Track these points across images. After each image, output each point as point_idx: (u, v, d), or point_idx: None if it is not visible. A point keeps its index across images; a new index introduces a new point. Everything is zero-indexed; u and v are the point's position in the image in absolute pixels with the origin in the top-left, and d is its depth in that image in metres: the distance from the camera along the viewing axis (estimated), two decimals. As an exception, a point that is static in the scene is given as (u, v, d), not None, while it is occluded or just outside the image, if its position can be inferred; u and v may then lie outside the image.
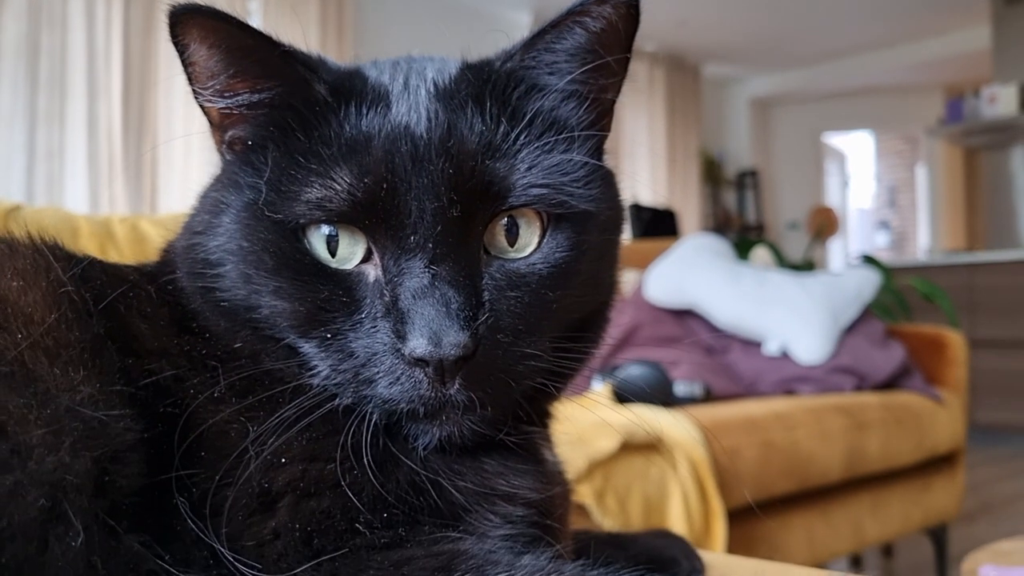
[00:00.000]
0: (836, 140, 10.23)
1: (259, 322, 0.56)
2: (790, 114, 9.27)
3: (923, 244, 9.61)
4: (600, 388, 2.46)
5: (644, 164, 7.72)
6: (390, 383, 0.52)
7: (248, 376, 0.55)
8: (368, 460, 0.53)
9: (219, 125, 0.59)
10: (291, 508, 0.52)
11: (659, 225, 6.77)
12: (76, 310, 0.54)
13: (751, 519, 2.24)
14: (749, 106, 8.98)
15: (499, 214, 0.55)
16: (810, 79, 8.61)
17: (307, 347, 0.55)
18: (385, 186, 0.52)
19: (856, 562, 3.29)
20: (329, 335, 0.54)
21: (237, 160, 0.58)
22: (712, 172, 8.58)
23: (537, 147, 0.55)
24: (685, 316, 3.09)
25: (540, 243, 0.56)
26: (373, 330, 0.53)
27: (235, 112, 0.57)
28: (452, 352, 0.50)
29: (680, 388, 2.48)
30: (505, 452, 0.59)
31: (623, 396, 2.40)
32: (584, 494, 1.77)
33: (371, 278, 0.54)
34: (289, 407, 0.54)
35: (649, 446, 1.98)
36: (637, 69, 7.49)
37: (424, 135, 0.53)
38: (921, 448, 2.79)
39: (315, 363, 0.55)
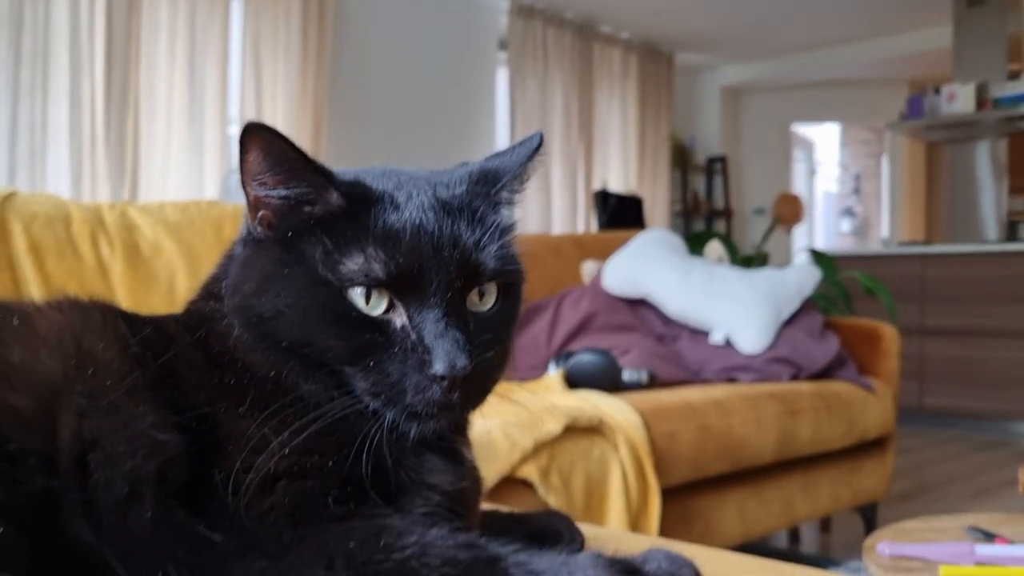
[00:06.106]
0: (804, 129, 10.45)
1: (309, 356, 0.78)
2: (760, 103, 9.45)
3: (884, 233, 9.86)
4: (554, 373, 2.65)
5: (616, 149, 7.85)
6: (415, 393, 0.75)
7: (270, 397, 0.78)
8: (362, 454, 0.76)
9: (254, 206, 0.81)
10: (285, 488, 0.74)
11: (625, 213, 6.86)
12: (140, 362, 0.77)
13: (686, 497, 2.44)
14: (720, 94, 9.16)
15: (478, 285, 0.81)
16: (780, 70, 8.81)
17: (352, 371, 0.77)
18: (417, 265, 0.76)
19: (794, 536, 3.52)
20: (372, 363, 0.76)
21: (280, 240, 0.80)
22: (682, 157, 8.73)
23: (497, 244, 0.81)
24: (639, 305, 3.29)
25: (496, 301, 0.82)
26: (405, 359, 0.76)
27: (267, 199, 0.79)
28: (462, 372, 0.74)
29: (627, 375, 2.66)
30: (439, 454, 0.83)
31: (574, 381, 2.61)
32: (530, 472, 1.95)
33: (398, 324, 0.77)
34: (307, 418, 0.76)
35: (592, 429, 2.15)
36: (612, 56, 7.62)
37: (437, 231, 0.78)
38: (851, 434, 2.99)
39: (357, 382, 0.77)
